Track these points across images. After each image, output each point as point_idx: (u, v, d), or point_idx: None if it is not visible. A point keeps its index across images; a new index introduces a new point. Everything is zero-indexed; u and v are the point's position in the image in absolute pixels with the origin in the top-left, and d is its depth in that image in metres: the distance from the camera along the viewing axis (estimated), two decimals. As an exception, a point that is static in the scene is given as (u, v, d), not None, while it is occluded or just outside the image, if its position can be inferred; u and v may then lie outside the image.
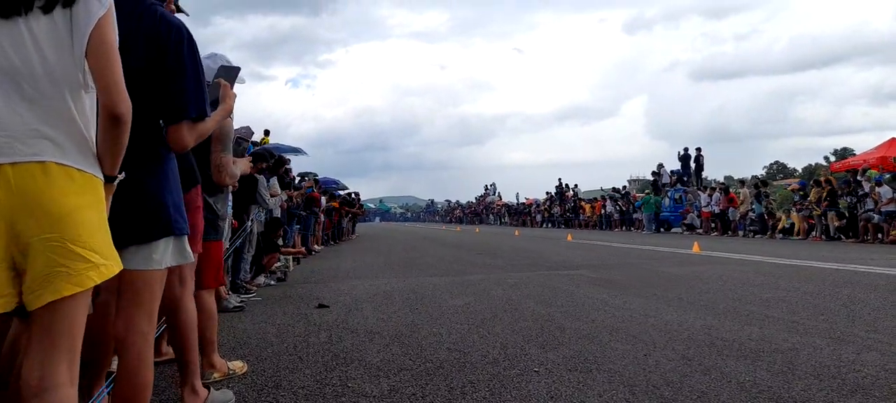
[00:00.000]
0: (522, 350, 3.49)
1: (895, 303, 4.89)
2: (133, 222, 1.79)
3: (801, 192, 17.18)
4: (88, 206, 1.42)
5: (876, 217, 13.87)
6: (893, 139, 17.46)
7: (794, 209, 17.09)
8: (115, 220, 1.72)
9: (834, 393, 2.62)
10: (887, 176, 14.87)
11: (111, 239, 1.48)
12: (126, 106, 1.43)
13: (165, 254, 1.87)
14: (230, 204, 5.16)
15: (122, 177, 1.55)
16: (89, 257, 1.38)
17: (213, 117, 2.11)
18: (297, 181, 12.85)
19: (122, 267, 1.50)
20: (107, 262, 1.43)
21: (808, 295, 5.39)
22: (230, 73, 2.44)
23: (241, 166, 3.22)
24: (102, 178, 1.48)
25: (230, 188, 3.27)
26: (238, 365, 3.15)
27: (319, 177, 16.35)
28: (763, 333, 3.83)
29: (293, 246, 10.15)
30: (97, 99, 1.44)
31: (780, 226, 16.93)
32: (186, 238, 1.98)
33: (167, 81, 1.89)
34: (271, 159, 8.14)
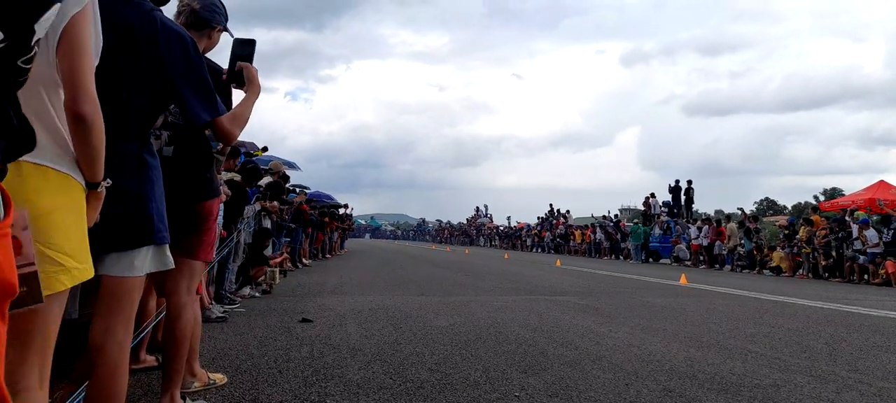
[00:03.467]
0: (504, 374, 3.47)
1: (877, 344, 4.92)
2: (114, 229, 1.77)
3: (787, 230, 17.32)
4: (63, 208, 1.39)
5: (861, 258, 13.99)
6: (882, 182, 17.71)
7: (779, 247, 17.20)
8: (96, 226, 1.71)
9: (812, 432, 2.62)
10: (874, 218, 15.03)
11: (87, 244, 1.45)
12: (90, 107, 1.38)
13: (145, 261, 1.85)
14: (220, 214, 5.14)
15: (107, 183, 1.52)
16: (60, 260, 1.35)
17: (246, 103, 2.14)
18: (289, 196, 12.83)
19: (93, 273, 1.47)
20: (80, 266, 1.41)
21: (792, 332, 5.40)
22: (246, 47, 2.29)
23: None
24: (82, 182, 1.45)
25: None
26: (218, 377, 3.12)
27: (311, 190, 16.32)
28: (745, 368, 3.83)
29: (279, 257, 10.08)
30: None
31: (773, 264, 16.99)
32: (167, 246, 1.96)
33: (172, 90, 1.90)
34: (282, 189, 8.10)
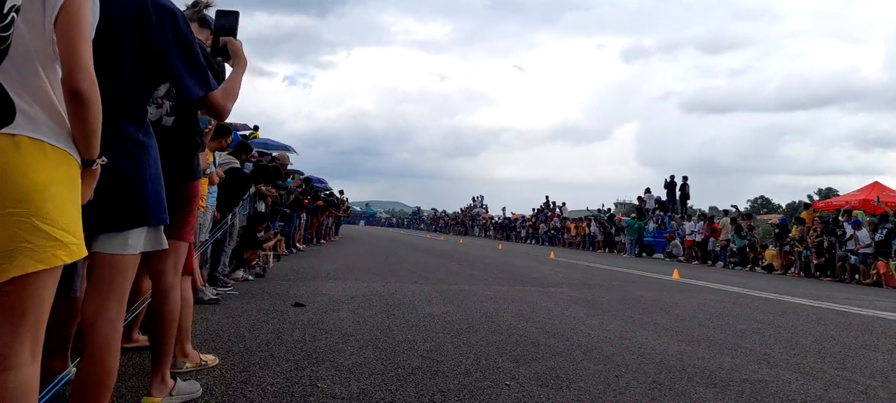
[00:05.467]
0: (495, 363, 3.49)
1: (866, 344, 4.96)
2: (109, 209, 1.76)
3: (778, 229, 17.41)
4: (60, 183, 1.38)
5: (852, 258, 14.08)
6: (876, 183, 17.79)
7: (770, 245, 17.28)
8: (91, 205, 1.71)
9: (798, 427, 2.65)
10: (868, 218, 15.10)
11: (80, 219, 1.44)
12: (87, 83, 1.37)
13: (139, 241, 1.84)
14: (213, 197, 5.12)
15: (102, 161, 1.51)
16: (56, 235, 1.35)
17: (235, 77, 2.13)
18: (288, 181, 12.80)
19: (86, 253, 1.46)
20: (77, 242, 1.40)
21: (782, 330, 5.45)
22: (229, 20, 2.21)
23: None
24: (79, 159, 1.45)
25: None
26: (210, 358, 3.13)
27: (305, 175, 16.28)
28: (734, 363, 3.86)
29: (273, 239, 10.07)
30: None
31: (765, 262, 17.07)
32: (162, 227, 1.96)
33: (164, 66, 1.89)
34: (275, 178, 8.08)
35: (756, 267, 17.09)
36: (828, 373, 3.74)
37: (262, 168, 7.38)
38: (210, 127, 2.95)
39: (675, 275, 11.58)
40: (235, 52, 2.22)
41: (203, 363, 3.05)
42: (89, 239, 1.82)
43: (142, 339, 3.34)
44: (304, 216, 14.08)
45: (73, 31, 1.36)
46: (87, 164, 1.47)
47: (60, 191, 1.38)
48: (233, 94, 2.09)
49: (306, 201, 13.69)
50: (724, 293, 8.83)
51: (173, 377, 2.57)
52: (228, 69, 2.25)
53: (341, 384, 2.90)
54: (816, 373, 3.71)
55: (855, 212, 15.12)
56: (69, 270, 2.14)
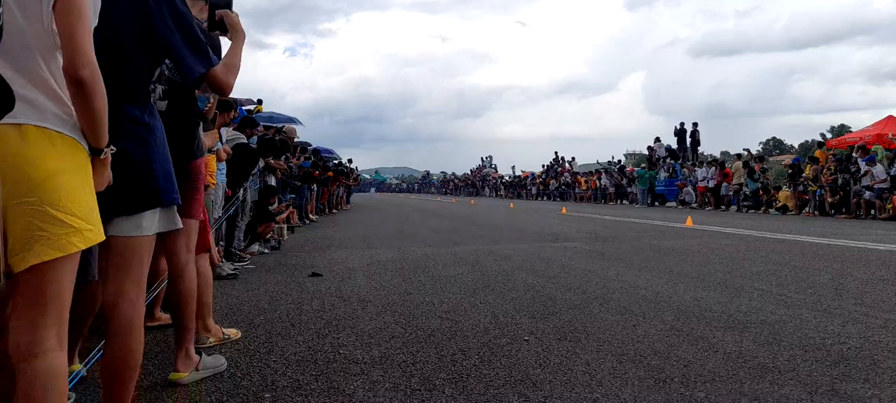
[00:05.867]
0: (513, 320, 3.52)
1: (883, 278, 4.95)
2: (121, 193, 1.77)
3: (791, 170, 17.24)
4: (70, 171, 1.38)
5: (867, 193, 13.94)
6: (890, 116, 17.49)
7: (784, 186, 17.14)
8: (103, 190, 1.71)
9: (817, 364, 2.66)
10: (884, 152, 14.89)
11: (96, 207, 1.44)
12: (88, 70, 1.35)
13: (153, 222, 1.86)
14: (223, 173, 5.14)
15: (112, 150, 1.50)
16: (70, 222, 1.35)
17: (234, 51, 2.13)
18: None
19: (103, 236, 1.47)
20: (92, 228, 1.40)
21: (798, 270, 5.44)
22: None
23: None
24: (87, 147, 1.44)
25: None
26: (233, 332, 3.18)
27: (313, 146, 16.28)
28: (751, 305, 3.87)
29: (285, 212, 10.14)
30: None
31: (779, 204, 16.96)
32: (176, 206, 1.97)
33: (164, 45, 1.88)
34: (280, 150, 8.07)
35: (770, 210, 17.00)
36: (845, 310, 3.74)
37: (268, 141, 7.38)
38: (210, 103, 2.94)
39: (689, 222, 11.55)
40: (233, 25, 2.19)
41: (226, 337, 3.10)
42: (104, 223, 1.84)
43: (164, 317, 3.40)
44: (315, 187, 14.13)
45: (71, 17, 1.34)
46: (95, 153, 1.46)
47: (71, 179, 1.38)
48: (234, 69, 2.08)
49: (317, 172, 13.73)
50: (739, 237, 8.80)
51: (198, 352, 2.62)
52: (226, 43, 2.22)
53: (363, 349, 2.95)
54: (834, 310, 3.72)
55: (872, 148, 14.92)
56: (85, 255, 2.17)
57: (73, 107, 1.40)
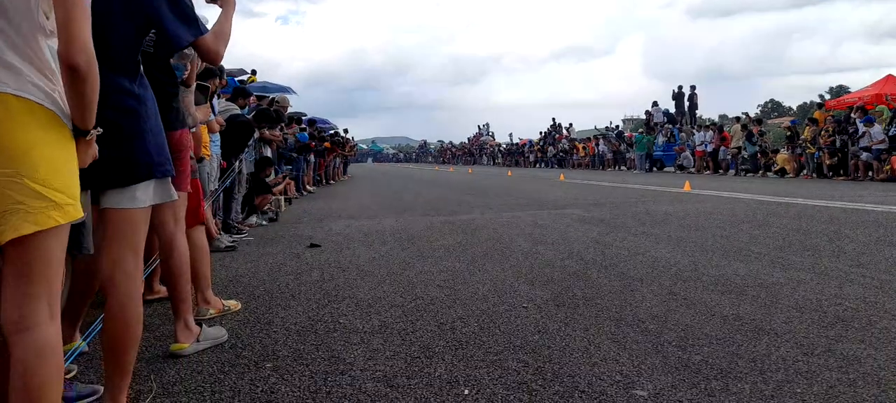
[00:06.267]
0: (512, 287, 3.54)
1: (880, 239, 4.97)
2: (114, 165, 1.75)
3: (790, 132, 17.19)
4: (51, 143, 1.36)
5: (864, 155, 13.93)
6: (889, 76, 17.36)
7: (782, 149, 17.12)
8: (95, 165, 1.69)
9: (814, 325, 2.69)
10: (885, 113, 14.83)
11: (77, 183, 1.42)
12: (83, 57, 1.34)
13: (147, 193, 1.84)
14: (217, 145, 5.10)
15: (98, 131, 1.48)
16: (50, 196, 1.33)
17: (225, 19, 2.11)
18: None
19: (82, 214, 1.45)
20: (72, 202, 1.38)
21: (795, 232, 5.46)
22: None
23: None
24: (69, 124, 1.41)
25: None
26: (233, 304, 3.19)
27: (309, 116, 16.17)
28: (748, 269, 3.89)
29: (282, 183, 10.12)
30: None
31: (777, 167, 16.96)
32: (170, 178, 1.95)
33: (150, 14, 1.84)
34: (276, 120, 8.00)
35: (768, 173, 17.01)
36: (842, 271, 3.76)
37: (263, 112, 7.33)
38: (188, 70, 2.89)
39: (687, 187, 11.56)
40: None
41: (226, 308, 3.11)
42: (98, 195, 1.82)
43: (163, 290, 3.40)
44: (312, 157, 14.08)
45: (66, 4, 1.33)
46: (80, 134, 1.44)
47: (52, 151, 1.36)
48: (224, 37, 2.04)
49: (313, 144, 13.67)
50: (737, 200, 8.82)
51: (199, 323, 2.63)
52: (217, 11, 2.18)
53: (362, 318, 2.96)
54: (831, 272, 3.74)
55: (873, 108, 14.86)
56: (77, 228, 2.16)
57: (61, 84, 1.39)
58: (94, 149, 1.52)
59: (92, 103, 1.40)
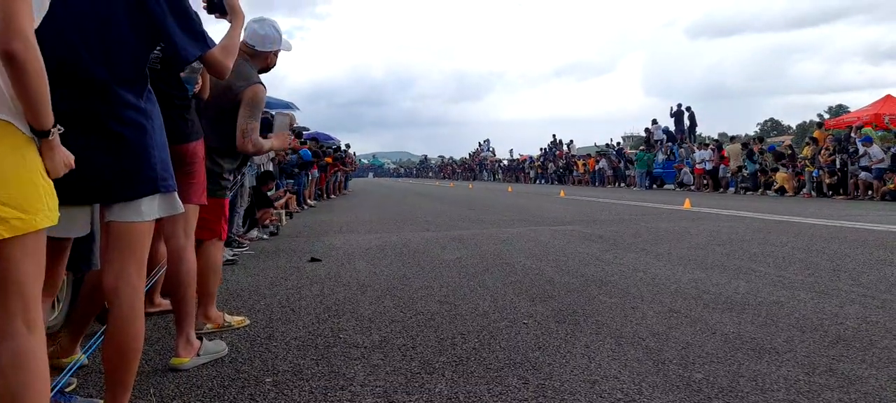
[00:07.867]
0: (512, 303, 3.54)
1: (881, 258, 4.97)
2: (119, 180, 1.76)
3: (789, 151, 17.24)
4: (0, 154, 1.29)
5: (862, 174, 13.97)
6: (888, 96, 17.45)
7: (781, 168, 17.16)
8: (100, 177, 1.70)
9: (815, 345, 2.68)
10: (880, 133, 14.91)
11: (38, 193, 1.34)
12: (20, 43, 1.24)
13: (152, 207, 1.85)
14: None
15: (59, 130, 1.40)
16: None
17: (234, 32, 2.17)
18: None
19: (52, 223, 1.38)
20: (23, 216, 1.30)
21: (796, 251, 5.46)
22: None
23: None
24: (26, 129, 1.34)
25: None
26: (238, 320, 3.15)
27: (312, 131, 16.24)
28: (749, 287, 3.89)
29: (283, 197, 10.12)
30: None
31: (777, 186, 16.98)
32: (175, 192, 1.96)
33: (157, 27, 1.86)
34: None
35: (768, 191, 17.02)
36: (843, 290, 3.76)
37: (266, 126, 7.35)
38: (199, 84, 2.91)
39: (687, 205, 11.57)
40: (232, 7, 2.18)
41: (227, 323, 3.10)
42: (104, 208, 1.83)
43: (164, 303, 3.39)
44: (315, 171, 14.12)
45: None
46: (40, 135, 1.36)
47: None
48: (232, 51, 2.07)
49: (316, 162, 13.72)
50: (737, 218, 8.82)
51: (199, 337, 2.63)
52: (225, 26, 2.21)
53: (363, 333, 2.96)
54: (831, 291, 3.73)
55: (864, 130, 14.93)
56: (86, 243, 2.16)
57: (11, 87, 1.31)
58: (64, 153, 1.44)
59: (41, 97, 1.31)
